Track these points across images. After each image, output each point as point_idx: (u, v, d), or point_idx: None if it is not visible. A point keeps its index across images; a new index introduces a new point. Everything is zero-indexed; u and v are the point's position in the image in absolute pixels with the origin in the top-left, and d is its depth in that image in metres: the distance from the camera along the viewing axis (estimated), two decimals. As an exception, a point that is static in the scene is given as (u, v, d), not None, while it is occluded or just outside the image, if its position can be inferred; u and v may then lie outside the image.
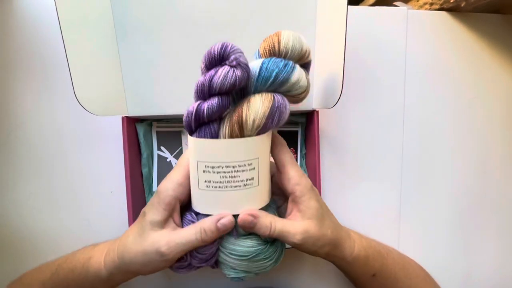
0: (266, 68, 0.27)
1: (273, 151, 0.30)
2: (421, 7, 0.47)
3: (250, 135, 0.27)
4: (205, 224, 0.27)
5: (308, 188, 0.29)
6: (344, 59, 0.32)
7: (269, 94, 0.27)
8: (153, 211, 0.28)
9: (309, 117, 0.41)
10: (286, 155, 0.30)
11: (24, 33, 0.39)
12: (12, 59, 0.39)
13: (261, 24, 0.31)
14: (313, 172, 0.40)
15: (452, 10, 0.45)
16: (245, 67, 0.25)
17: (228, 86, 0.25)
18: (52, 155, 0.41)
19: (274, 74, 0.26)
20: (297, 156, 0.43)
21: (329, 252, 0.31)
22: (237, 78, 0.25)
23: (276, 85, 0.27)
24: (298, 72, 0.28)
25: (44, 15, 0.39)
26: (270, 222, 0.28)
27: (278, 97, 0.27)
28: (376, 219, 0.46)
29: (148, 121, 0.41)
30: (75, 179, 0.41)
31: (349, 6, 0.32)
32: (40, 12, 0.39)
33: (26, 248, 0.41)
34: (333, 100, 0.34)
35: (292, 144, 0.43)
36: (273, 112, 0.26)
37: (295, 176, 0.29)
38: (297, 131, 0.43)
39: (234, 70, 0.25)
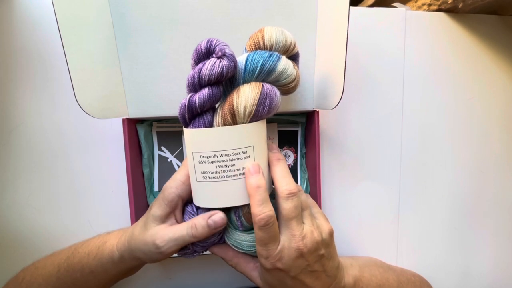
0: (252, 59, 0.28)
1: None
2: (419, 8, 0.48)
3: (243, 123, 0.27)
4: (197, 220, 0.28)
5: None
6: (345, 61, 0.32)
7: (258, 83, 0.28)
8: (156, 206, 0.30)
9: (310, 117, 0.41)
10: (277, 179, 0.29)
11: (25, 32, 0.39)
12: (13, 59, 0.39)
13: (262, 26, 0.31)
14: (313, 172, 0.40)
15: (450, 11, 0.45)
16: (231, 57, 0.26)
17: (216, 76, 0.26)
18: (52, 155, 0.41)
19: (260, 64, 0.27)
20: (297, 156, 0.43)
21: None
22: (224, 67, 0.26)
23: (264, 75, 0.28)
24: (284, 62, 0.28)
25: (44, 15, 0.39)
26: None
27: (267, 85, 0.28)
28: (375, 218, 0.46)
29: (148, 122, 0.41)
30: (76, 179, 0.41)
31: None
32: (40, 12, 0.39)
33: (26, 248, 0.41)
34: (334, 101, 0.34)
35: (292, 144, 0.43)
36: (263, 99, 0.27)
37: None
38: (297, 131, 0.43)
39: (220, 61, 0.26)
